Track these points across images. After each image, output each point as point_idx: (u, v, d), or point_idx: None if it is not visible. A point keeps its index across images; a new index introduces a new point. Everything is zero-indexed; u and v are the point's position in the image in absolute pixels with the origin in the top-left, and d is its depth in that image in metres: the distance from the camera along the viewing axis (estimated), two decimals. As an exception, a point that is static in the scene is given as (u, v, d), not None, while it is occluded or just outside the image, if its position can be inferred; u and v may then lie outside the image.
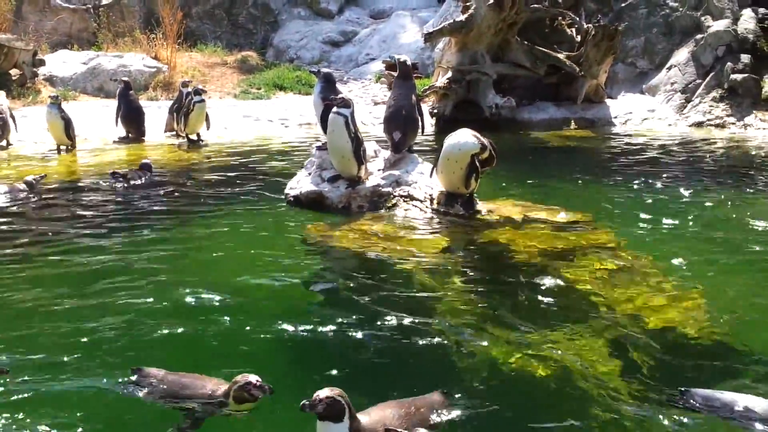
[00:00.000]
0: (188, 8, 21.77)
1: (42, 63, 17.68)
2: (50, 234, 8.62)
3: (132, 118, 14.33)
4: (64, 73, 18.10)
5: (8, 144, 13.71)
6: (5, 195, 10.07)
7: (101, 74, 18.16)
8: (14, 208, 9.73)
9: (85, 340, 5.78)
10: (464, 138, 8.76)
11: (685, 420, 4.78)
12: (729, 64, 15.96)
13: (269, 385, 4.75)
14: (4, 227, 8.90)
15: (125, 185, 10.68)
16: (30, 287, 6.88)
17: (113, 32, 20.47)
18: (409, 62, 10.10)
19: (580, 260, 7.61)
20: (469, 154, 8.68)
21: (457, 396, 4.97)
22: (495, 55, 16.14)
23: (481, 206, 9.08)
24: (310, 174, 9.74)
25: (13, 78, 16.89)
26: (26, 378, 5.18)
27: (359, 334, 5.94)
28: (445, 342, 5.84)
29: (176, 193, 10.53)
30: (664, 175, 11.52)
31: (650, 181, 11.10)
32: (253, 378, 4.72)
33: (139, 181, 10.83)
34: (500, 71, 16.09)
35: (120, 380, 5.13)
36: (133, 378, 5.10)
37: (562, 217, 8.90)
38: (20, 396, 4.96)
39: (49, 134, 13.25)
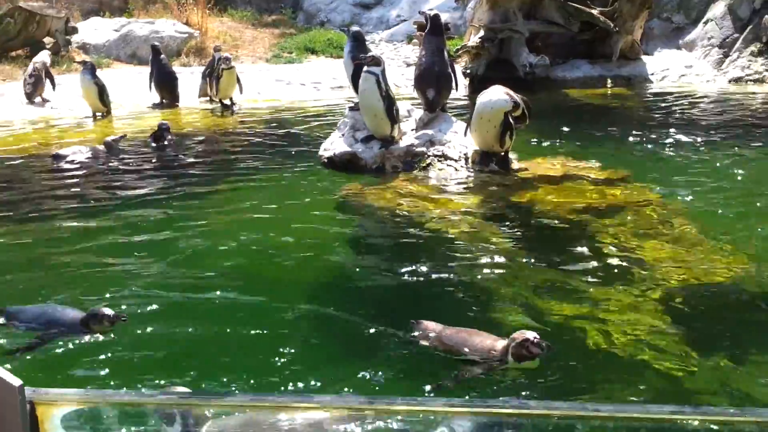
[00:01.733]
0: (218, -27, 21.63)
1: (75, 31, 17.72)
2: (97, 196, 8.82)
3: (165, 84, 14.33)
4: (97, 40, 18.13)
5: (44, 101, 13.93)
6: (86, 156, 10.29)
7: (134, 41, 18.17)
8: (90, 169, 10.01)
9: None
10: (496, 96, 8.67)
11: (725, 376, 4.74)
12: (766, 16, 15.58)
13: (547, 342, 4.67)
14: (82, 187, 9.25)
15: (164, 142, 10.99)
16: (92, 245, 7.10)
17: (144, -2, 20.44)
18: (440, 16, 9.86)
19: (620, 218, 7.53)
20: (502, 111, 8.60)
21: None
22: (527, 13, 15.88)
23: (517, 164, 9.01)
24: (343, 135, 9.69)
25: (47, 46, 16.94)
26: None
27: (393, 293, 5.98)
28: (482, 303, 5.83)
29: (212, 157, 10.60)
30: (705, 132, 11.32)
31: (690, 137, 10.89)
32: (531, 335, 4.66)
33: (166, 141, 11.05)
34: (533, 29, 15.85)
35: (398, 332, 5.22)
36: (413, 330, 5.15)
37: (600, 174, 8.79)
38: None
39: (84, 101, 13.32)
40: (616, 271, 6.27)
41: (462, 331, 5.02)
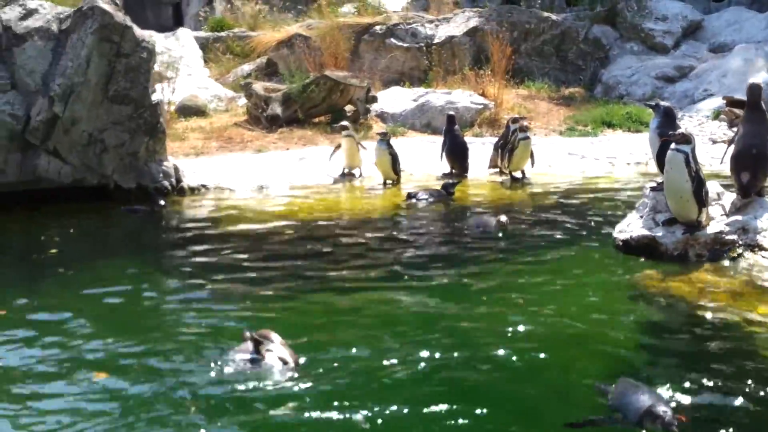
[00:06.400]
0: (517, 45, 21.46)
1: (374, 100, 18.30)
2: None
3: (456, 154, 14.26)
4: (395, 109, 18.57)
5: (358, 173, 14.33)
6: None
7: (430, 110, 18.38)
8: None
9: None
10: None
11: None
12: None
13: None
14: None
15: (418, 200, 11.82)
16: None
17: (443, 69, 20.73)
18: (762, 87, 8.82)
19: None
20: None
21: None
22: None
23: None
24: (641, 216, 8.89)
25: (348, 114, 17.62)
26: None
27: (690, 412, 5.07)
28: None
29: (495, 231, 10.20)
30: None
31: None
32: None
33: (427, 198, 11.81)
34: None
35: None
36: None
37: None
38: None
39: (377, 168, 13.55)
40: None
41: None
